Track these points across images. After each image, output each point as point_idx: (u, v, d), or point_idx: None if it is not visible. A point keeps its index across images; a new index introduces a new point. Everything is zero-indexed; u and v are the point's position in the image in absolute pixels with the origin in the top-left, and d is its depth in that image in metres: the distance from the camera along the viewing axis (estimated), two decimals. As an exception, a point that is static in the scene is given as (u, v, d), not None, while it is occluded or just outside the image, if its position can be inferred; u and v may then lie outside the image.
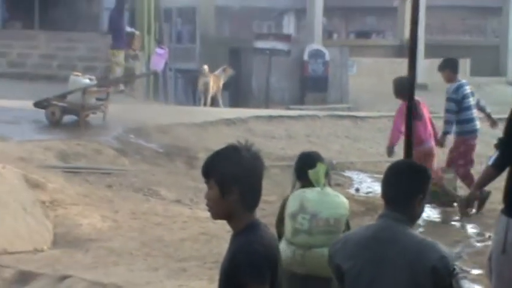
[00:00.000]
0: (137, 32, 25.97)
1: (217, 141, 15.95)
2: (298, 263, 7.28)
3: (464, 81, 14.91)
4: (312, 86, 30.90)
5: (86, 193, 13.69)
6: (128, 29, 25.14)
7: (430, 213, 13.60)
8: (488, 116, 14.89)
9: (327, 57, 31.47)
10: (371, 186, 15.69)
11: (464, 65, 36.87)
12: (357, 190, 15.76)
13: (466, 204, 7.88)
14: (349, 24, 49.89)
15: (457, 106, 14.34)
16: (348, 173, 16.88)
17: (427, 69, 31.37)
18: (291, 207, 7.53)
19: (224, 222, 4.82)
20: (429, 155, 14.16)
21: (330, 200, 7.55)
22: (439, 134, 14.58)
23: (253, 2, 47.02)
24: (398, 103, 14.36)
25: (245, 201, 4.65)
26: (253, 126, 19.77)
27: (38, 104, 17.54)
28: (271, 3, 48.66)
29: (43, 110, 17.46)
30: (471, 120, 14.48)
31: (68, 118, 17.61)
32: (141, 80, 25.50)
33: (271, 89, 30.15)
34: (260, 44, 31.50)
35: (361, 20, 50.56)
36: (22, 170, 13.39)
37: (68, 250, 11.43)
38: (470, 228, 12.85)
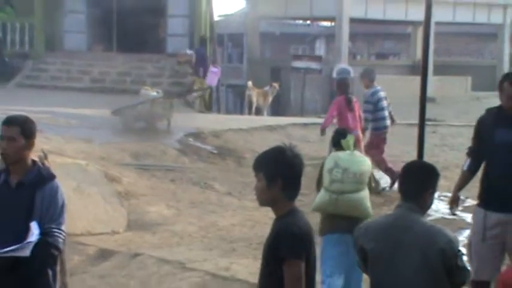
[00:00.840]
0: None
1: (261, 144, 15.92)
2: (333, 205, 8.11)
3: (379, 87, 15.15)
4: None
5: (154, 186, 13.78)
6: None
7: (437, 204, 13.51)
8: (392, 117, 15.30)
9: (352, 74, 31.33)
10: (388, 182, 15.57)
11: (466, 81, 36.67)
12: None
13: (450, 203, 7.96)
14: (370, 47, 49.75)
15: (373, 107, 14.73)
16: (368, 170, 16.74)
17: (435, 85, 31.15)
18: (328, 164, 8.46)
19: (267, 210, 4.91)
20: (356, 140, 14.40)
21: (356, 160, 8.53)
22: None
23: (290, 28, 47.05)
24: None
25: (287, 192, 4.72)
26: (291, 132, 19.69)
27: (115, 113, 17.65)
28: (305, 29, 48.64)
29: (119, 118, 17.56)
30: (383, 119, 14.89)
31: (139, 124, 17.69)
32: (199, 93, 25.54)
33: (305, 101, 29.98)
34: (296, 64, 31.31)
35: (380, 44, 50.39)
36: (102, 167, 13.53)
37: (139, 232, 11.52)
38: (471, 218, 12.74)
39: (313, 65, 31.68)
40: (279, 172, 4.71)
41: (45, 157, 8.34)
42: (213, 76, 25.45)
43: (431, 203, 5.20)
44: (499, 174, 6.96)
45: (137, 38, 26.81)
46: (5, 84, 24.26)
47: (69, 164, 12.31)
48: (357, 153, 8.93)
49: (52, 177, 5.87)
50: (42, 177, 5.79)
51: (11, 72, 25.15)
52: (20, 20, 26.71)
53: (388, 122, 15.06)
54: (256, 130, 18.10)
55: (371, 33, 46.81)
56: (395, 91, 30.52)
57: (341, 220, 8.08)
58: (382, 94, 15.01)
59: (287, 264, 4.60)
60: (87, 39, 27.94)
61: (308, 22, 47.74)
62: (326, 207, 8.23)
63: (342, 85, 15.07)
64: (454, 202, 7.91)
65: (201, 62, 25.38)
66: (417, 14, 34.36)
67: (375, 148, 14.95)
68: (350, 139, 8.92)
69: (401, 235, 4.99)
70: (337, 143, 8.99)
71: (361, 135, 14.73)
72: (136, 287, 9.36)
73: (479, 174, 7.42)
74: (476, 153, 7.36)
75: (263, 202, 4.84)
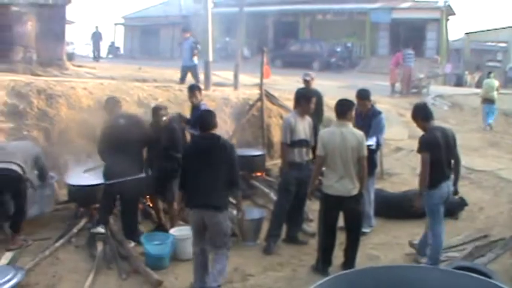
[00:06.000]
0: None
1: (470, 102, 12.58)
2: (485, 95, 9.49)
3: (410, 51, 13.01)
4: (508, 81, 24.35)
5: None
6: None
7: None
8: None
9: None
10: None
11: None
12: None
13: None
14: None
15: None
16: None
17: None
18: (485, 81, 10.18)
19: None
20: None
21: (493, 81, 10.04)
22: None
23: (485, 47, 37.90)
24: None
25: (424, 120, 4.01)
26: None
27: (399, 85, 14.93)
28: (492, 47, 39.30)
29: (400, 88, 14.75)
30: (410, 62, 12.92)
31: (412, 90, 14.65)
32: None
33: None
34: (488, 63, 26.62)
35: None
36: (395, 109, 11.51)
37: (412, 140, 9.39)
38: None
39: (497, 64, 26.64)
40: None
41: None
42: (447, 68, 21.85)
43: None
44: None
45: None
46: (351, 71, 22.17)
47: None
48: (494, 79, 10.24)
49: (379, 113, 5.00)
50: (374, 112, 4.94)
51: (354, 65, 23.08)
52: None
53: (412, 63, 12.94)
54: (470, 95, 14.59)
55: None
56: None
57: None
58: (409, 51, 12.92)
59: (420, 154, 3.92)
60: (388, 48, 23.73)
61: (493, 43, 38.80)
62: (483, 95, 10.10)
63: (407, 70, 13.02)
64: None
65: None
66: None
67: (406, 75, 13.00)
68: (493, 74, 10.51)
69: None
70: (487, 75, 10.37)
71: (397, 71, 13.03)
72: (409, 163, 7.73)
73: None
74: None
75: None
